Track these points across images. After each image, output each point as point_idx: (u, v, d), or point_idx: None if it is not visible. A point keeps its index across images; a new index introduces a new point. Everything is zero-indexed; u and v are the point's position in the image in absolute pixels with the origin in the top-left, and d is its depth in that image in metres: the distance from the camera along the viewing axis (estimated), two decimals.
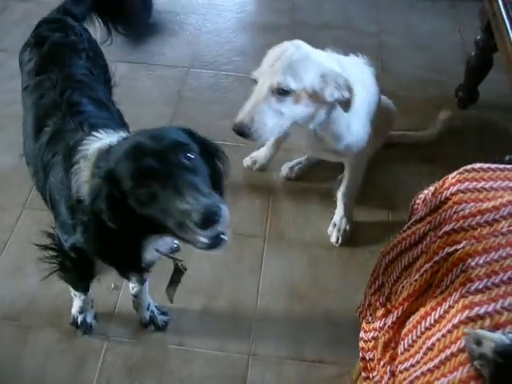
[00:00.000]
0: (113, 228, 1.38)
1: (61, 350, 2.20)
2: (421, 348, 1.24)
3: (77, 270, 1.87)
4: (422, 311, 1.28)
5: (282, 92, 1.95)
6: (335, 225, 2.59)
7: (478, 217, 1.27)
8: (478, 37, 2.87)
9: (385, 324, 1.45)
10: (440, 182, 1.45)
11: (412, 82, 3.28)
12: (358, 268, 2.46)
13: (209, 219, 1.27)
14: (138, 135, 1.44)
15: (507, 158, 2.25)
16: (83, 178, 1.50)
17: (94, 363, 2.17)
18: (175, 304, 2.12)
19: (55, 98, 1.83)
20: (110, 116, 1.90)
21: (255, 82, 2.05)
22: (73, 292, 2.15)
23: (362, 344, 1.70)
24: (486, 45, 2.83)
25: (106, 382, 2.13)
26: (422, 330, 1.26)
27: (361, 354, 1.70)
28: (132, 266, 1.55)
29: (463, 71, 3.10)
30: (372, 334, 1.63)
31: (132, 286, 2.21)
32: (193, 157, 1.38)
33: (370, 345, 1.64)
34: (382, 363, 1.46)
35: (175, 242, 1.75)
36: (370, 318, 1.64)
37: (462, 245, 1.23)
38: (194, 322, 2.29)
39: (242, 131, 2.01)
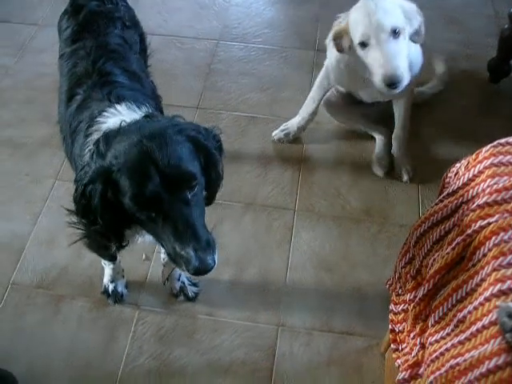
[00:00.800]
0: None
1: (92, 319, 2.25)
2: (452, 320, 1.24)
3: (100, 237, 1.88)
4: (453, 284, 1.28)
5: (395, 34, 2.14)
6: (399, 169, 2.72)
7: None
8: None
9: (415, 296, 1.45)
10: (473, 156, 1.43)
11: (445, 55, 3.24)
12: (387, 242, 2.46)
13: (201, 273, 1.41)
14: (143, 130, 1.42)
15: None
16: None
17: (125, 332, 2.21)
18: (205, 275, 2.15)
19: (87, 66, 1.83)
20: (140, 88, 1.89)
21: (363, 45, 2.19)
22: (102, 261, 2.19)
23: (391, 316, 1.71)
24: None
25: (138, 351, 2.17)
26: (454, 302, 1.26)
27: (390, 326, 1.71)
28: (115, 240, 1.60)
29: (496, 44, 3.03)
30: (402, 306, 1.63)
31: (163, 257, 2.23)
32: (196, 191, 1.42)
33: (400, 317, 1.64)
34: (411, 335, 1.46)
35: None
36: (400, 291, 1.65)
37: (495, 218, 1.23)
38: (223, 292, 2.32)
39: (398, 80, 2.15)
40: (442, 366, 1.18)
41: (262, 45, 3.36)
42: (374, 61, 2.17)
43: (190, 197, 1.39)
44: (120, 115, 1.58)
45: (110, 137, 1.45)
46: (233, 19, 3.54)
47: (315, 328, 2.22)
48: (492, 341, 1.09)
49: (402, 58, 2.17)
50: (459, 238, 1.29)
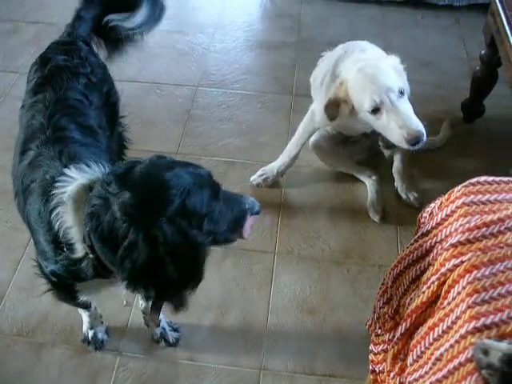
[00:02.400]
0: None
1: (74, 367, 2.23)
2: (429, 359, 1.25)
3: (59, 292, 1.89)
4: (429, 322, 1.30)
5: (401, 93, 2.25)
6: (407, 197, 2.79)
7: (484, 229, 1.28)
8: (483, 51, 2.89)
9: (394, 336, 1.47)
10: (446, 196, 1.46)
11: (418, 97, 3.26)
12: (367, 282, 2.48)
13: None
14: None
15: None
16: (68, 224, 1.53)
17: (106, 379, 2.19)
18: (186, 320, 2.15)
19: (43, 120, 1.83)
20: (94, 142, 1.87)
21: (374, 111, 2.25)
22: (78, 309, 2.18)
23: (371, 357, 1.72)
24: (490, 59, 2.85)
25: None
26: (431, 340, 1.27)
27: (371, 367, 1.71)
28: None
29: (468, 86, 3.12)
30: (382, 346, 1.64)
31: (141, 303, 2.23)
32: None
33: (380, 357, 1.65)
34: (391, 375, 1.47)
35: None
36: (380, 331, 1.66)
37: (467, 256, 1.25)
38: (205, 337, 2.31)
39: (422, 136, 2.20)
40: None
41: (240, 90, 3.41)
42: (391, 123, 2.22)
43: None
44: (74, 180, 1.57)
45: (99, 207, 1.44)
46: (211, 66, 3.60)
47: (297, 371, 2.22)
48: (469, 377, 1.10)
49: (414, 114, 2.24)
50: (434, 277, 1.31)
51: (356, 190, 2.86)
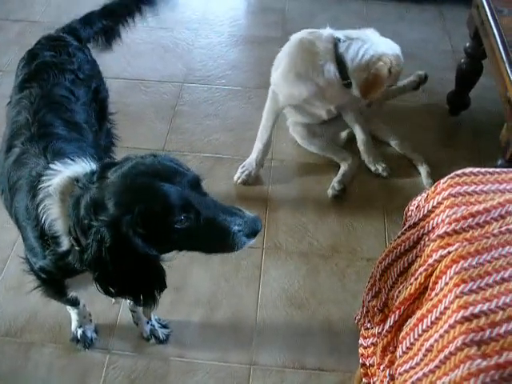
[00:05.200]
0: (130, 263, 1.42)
1: (63, 366, 2.22)
2: (419, 350, 1.26)
3: (48, 288, 1.89)
4: (418, 314, 1.30)
5: None
6: (376, 168, 2.90)
7: (470, 219, 1.29)
8: (467, 44, 2.91)
9: (383, 329, 1.47)
10: (432, 188, 1.47)
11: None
12: (356, 276, 2.48)
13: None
14: (135, 168, 1.45)
15: (498, 162, 2.28)
16: (53, 216, 1.52)
17: (96, 378, 2.18)
18: (175, 317, 2.14)
19: (29, 116, 1.82)
20: (79, 137, 1.87)
21: None
22: (67, 307, 2.18)
23: (361, 350, 1.72)
24: (475, 52, 2.86)
25: None
26: (420, 332, 1.28)
27: (361, 361, 1.72)
28: (161, 284, 1.56)
29: (454, 78, 3.13)
30: (371, 340, 1.65)
31: (129, 301, 2.22)
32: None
33: (370, 351, 1.65)
34: (381, 367, 1.48)
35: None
36: (369, 325, 1.66)
37: (454, 247, 1.25)
38: (194, 333, 2.31)
39: None
40: None
41: (225, 86, 3.41)
42: None
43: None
44: (61, 173, 1.57)
45: (80, 199, 1.44)
46: (196, 62, 3.60)
47: (287, 365, 2.22)
48: (461, 366, 1.10)
49: None
50: (421, 269, 1.32)
51: None
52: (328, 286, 2.46)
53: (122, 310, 2.36)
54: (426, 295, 1.31)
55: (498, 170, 1.43)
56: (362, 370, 1.71)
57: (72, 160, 1.62)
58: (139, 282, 1.48)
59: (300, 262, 2.55)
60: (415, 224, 1.45)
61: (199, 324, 2.33)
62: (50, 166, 1.60)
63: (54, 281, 1.78)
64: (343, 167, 2.86)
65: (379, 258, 1.54)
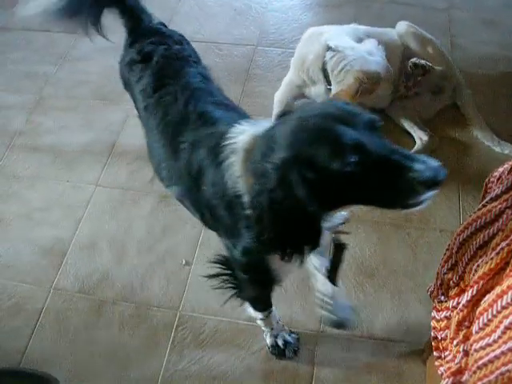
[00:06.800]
0: (287, 213, 1.34)
1: (134, 324, 2.28)
2: (498, 327, 1.22)
3: (253, 280, 1.78)
4: (498, 290, 1.26)
5: None
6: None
7: None
8: None
9: (458, 303, 1.43)
10: None
11: (483, 58, 3.19)
12: (428, 247, 2.43)
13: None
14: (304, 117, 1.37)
15: None
16: (237, 173, 1.47)
17: (166, 337, 2.23)
18: None
19: (180, 111, 1.78)
20: (238, 115, 1.81)
21: None
22: (258, 319, 2.07)
23: (433, 323, 1.69)
24: None
25: (178, 356, 2.19)
26: (499, 308, 1.24)
27: (432, 334, 1.68)
28: (313, 244, 1.44)
29: None
30: (444, 313, 1.61)
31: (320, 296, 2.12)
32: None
33: (443, 324, 1.62)
34: (455, 342, 1.44)
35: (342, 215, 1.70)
36: (443, 298, 1.63)
37: None
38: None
39: None
40: (491, 373, 1.16)
41: None
42: None
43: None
44: (247, 131, 1.52)
45: (261, 144, 1.40)
46: (270, 25, 3.55)
47: (355, 334, 2.21)
48: None
49: None
50: (504, 243, 1.27)
51: None
52: (399, 256, 2.42)
53: (192, 271, 2.39)
54: (507, 271, 1.26)
55: None
56: (433, 343, 1.68)
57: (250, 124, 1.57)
58: (292, 232, 1.39)
59: (371, 230, 2.51)
60: (497, 196, 1.40)
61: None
62: (235, 125, 1.56)
63: (258, 266, 1.68)
64: (418, 143, 2.79)
65: (457, 230, 1.50)
